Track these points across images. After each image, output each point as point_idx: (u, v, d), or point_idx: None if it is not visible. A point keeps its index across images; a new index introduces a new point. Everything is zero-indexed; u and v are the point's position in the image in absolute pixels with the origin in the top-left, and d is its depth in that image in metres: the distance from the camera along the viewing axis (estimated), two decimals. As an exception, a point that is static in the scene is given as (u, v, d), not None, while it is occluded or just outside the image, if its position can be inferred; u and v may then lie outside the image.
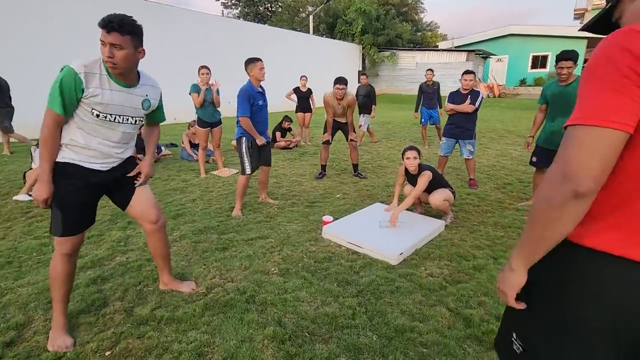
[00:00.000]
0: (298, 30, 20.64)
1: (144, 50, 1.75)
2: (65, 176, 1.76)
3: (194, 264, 2.62)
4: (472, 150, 4.41)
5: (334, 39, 21.05)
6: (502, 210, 3.70)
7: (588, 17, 25.42)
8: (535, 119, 3.74)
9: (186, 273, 2.49)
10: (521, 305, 0.87)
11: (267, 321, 1.97)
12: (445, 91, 6.67)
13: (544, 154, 3.47)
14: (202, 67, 4.80)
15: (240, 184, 3.61)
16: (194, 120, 5.35)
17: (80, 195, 1.84)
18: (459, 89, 4.39)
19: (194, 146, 6.19)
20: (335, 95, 4.48)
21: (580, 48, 20.52)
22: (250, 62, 3.46)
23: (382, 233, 2.94)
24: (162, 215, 2.13)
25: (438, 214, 3.48)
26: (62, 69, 1.64)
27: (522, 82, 21.46)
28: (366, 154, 6.49)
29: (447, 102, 4.43)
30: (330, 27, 23.37)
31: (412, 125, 9.91)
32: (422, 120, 7.12)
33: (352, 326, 1.93)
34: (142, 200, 2.04)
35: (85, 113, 1.70)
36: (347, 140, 4.95)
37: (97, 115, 1.71)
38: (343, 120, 4.81)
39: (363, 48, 21.10)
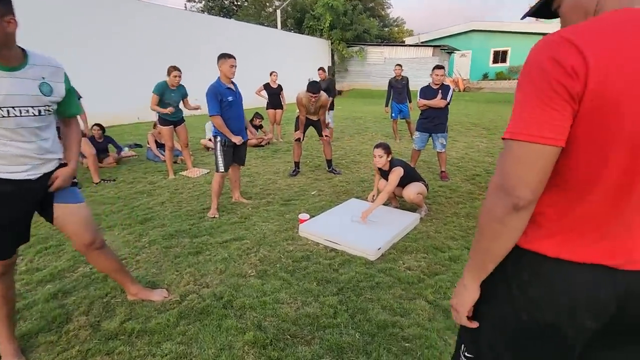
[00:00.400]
0: (265, 25, 20.28)
1: (15, 19, 1.38)
2: None
3: (165, 270, 2.49)
4: (444, 143, 4.51)
5: (302, 34, 20.89)
6: (472, 201, 3.81)
7: (543, 14, 26.85)
8: None
9: (157, 281, 2.36)
10: (474, 324, 0.87)
11: (247, 326, 1.90)
12: (413, 86, 6.82)
13: None
14: (174, 68, 4.55)
15: (216, 182, 3.50)
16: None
17: (7, 213, 1.58)
18: (429, 84, 4.45)
19: (161, 146, 5.93)
20: (309, 99, 4.44)
21: (537, 43, 21.63)
22: (222, 57, 3.36)
23: (359, 229, 2.93)
24: (98, 236, 1.86)
25: (413, 207, 3.53)
26: None
27: (485, 77, 22.30)
28: (339, 150, 6.49)
29: (419, 97, 4.48)
30: (298, 22, 23.16)
31: (382, 119, 10.01)
32: (393, 114, 7.20)
33: (334, 325, 1.91)
34: (73, 217, 1.76)
35: None
36: (320, 136, 4.91)
37: None
38: (315, 118, 4.77)
39: (332, 43, 21.10)
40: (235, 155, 3.59)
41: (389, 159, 3.34)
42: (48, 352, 1.75)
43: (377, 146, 3.38)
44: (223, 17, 22.54)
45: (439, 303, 2.08)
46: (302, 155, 5.08)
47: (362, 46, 21.07)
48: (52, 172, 1.66)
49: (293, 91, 6.97)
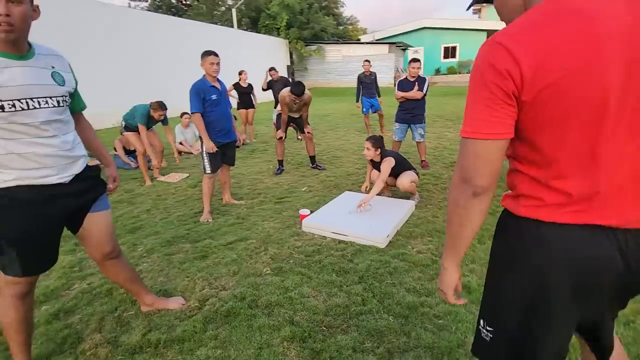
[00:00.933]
0: (219, 25, 19.73)
1: (38, 8, 1.34)
2: (18, 204, 1.35)
3: (174, 277, 2.37)
4: (423, 133, 4.70)
5: (259, 33, 20.61)
6: (457, 186, 4.01)
7: (485, 12, 28.71)
8: None
9: (169, 289, 2.24)
10: (460, 301, 0.99)
11: (279, 323, 1.87)
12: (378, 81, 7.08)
13: None
14: (159, 106, 4.54)
15: (205, 185, 3.36)
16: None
17: (49, 226, 1.47)
18: (406, 77, 4.62)
19: (130, 153, 5.58)
20: (293, 99, 4.42)
21: (482, 38, 23.12)
22: (203, 55, 3.25)
23: (363, 220, 2.98)
24: (117, 244, 1.77)
25: (405, 196, 3.64)
26: None
27: (437, 72, 23.43)
28: (317, 147, 6.50)
29: (397, 90, 4.63)
30: (254, 22, 22.83)
31: (351, 115, 10.18)
32: (364, 109, 7.37)
33: (366, 312, 1.93)
34: (101, 226, 1.64)
35: None
36: (302, 132, 4.90)
37: (2, 108, 1.25)
38: (297, 115, 4.75)
39: (290, 42, 21.03)
40: (224, 155, 3.48)
41: (378, 152, 3.43)
42: (68, 375, 1.60)
43: (367, 139, 3.47)
44: (171, 15, 21.59)
45: (458, 280, 2.19)
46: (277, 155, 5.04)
47: (320, 45, 21.23)
48: (81, 174, 1.52)
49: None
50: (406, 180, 3.39)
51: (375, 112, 7.34)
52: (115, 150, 5.61)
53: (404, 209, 3.21)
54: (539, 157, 0.78)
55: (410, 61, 4.56)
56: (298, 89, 4.27)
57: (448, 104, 12.04)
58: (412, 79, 4.55)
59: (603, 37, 0.68)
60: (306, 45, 21.13)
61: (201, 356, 1.67)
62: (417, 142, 4.78)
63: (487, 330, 0.92)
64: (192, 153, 6.31)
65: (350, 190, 3.90)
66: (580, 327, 0.93)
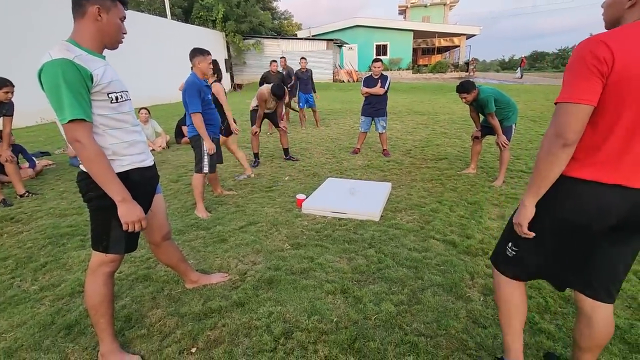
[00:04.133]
0: (147, 13, 18.46)
1: None
2: (135, 186, 1.52)
3: (203, 259, 2.59)
4: (385, 125, 5.33)
5: (192, 24, 19.75)
6: (418, 169, 4.71)
7: (409, 13, 31.07)
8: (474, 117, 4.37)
9: (205, 268, 2.47)
10: (531, 234, 1.24)
11: (318, 283, 2.25)
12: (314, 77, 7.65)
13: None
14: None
15: (199, 183, 3.36)
16: None
17: (149, 204, 1.71)
18: (371, 75, 5.19)
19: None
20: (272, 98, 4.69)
21: (409, 38, 25.13)
22: (201, 53, 3.21)
23: (355, 199, 3.45)
24: (171, 228, 2.02)
25: (385, 179, 4.20)
26: (43, 70, 1.31)
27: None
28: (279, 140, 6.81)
29: (362, 86, 5.19)
30: (186, 12, 21.74)
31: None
32: (300, 104, 7.87)
33: (384, 267, 2.41)
34: (162, 208, 1.89)
35: (102, 106, 1.42)
36: (276, 127, 5.18)
37: (116, 99, 1.45)
38: (271, 110, 5.03)
39: (227, 35, 20.54)
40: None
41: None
42: (150, 343, 1.80)
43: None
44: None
45: (444, 239, 2.78)
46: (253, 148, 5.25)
47: (259, 39, 21.11)
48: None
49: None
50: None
51: (309, 107, 7.85)
52: (68, 149, 5.28)
53: (384, 189, 3.76)
54: (596, 129, 1.08)
55: (373, 61, 5.14)
56: (279, 90, 4.55)
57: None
58: (375, 77, 5.13)
59: None
60: (244, 39, 20.85)
61: (265, 313, 1.99)
62: (379, 133, 5.39)
63: (512, 250, 1.35)
64: (154, 150, 6.17)
65: (332, 177, 4.34)
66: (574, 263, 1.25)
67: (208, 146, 3.26)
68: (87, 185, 1.47)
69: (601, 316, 1.28)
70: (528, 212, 1.21)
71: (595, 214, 1.12)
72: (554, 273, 1.33)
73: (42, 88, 1.35)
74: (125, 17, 1.54)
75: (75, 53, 1.35)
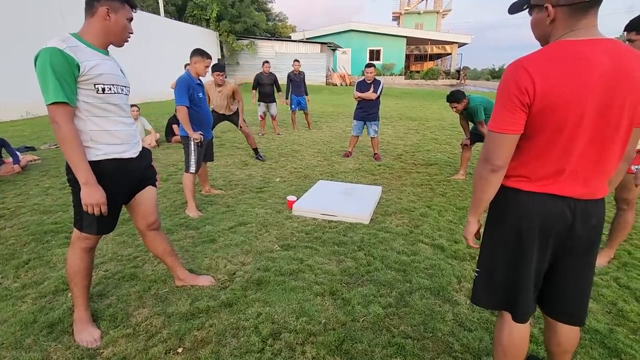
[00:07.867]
0: (143, 11, 18.27)
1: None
2: (106, 176, 1.61)
3: (192, 259, 2.57)
4: (376, 129, 5.37)
5: (186, 22, 19.62)
6: (408, 174, 4.76)
7: (403, 20, 31.44)
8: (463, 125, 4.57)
9: (193, 268, 2.44)
10: (476, 245, 1.34)
11: (307, 284, 2.26)
12: (307, 80, 7.73)
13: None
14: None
15: (189, 182, 3.35)
16: None
17: (122, 194, 1.76)
18: (364, 79, 5.23)
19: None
20: (215, 81, 4.49)
21: (402, 44, 25.40)
22: (200, 55, 3.24)
23: (346, 202, 3.47)
24: (158, 216, 2.04)
25: (375, 182, 4.23)
26: (38, 56, 1.44)
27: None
28: (271, 142, 6.82)
29: (355, 90, 5.23)
30: (179, 10, 21.60)
31: (281, 112, 10.57)
32: (292, 106, 7.88)
33: (373, 270, 2.43)
34: (149, 199, 1.94)
35: (88, 94, 1.53)
36: (238, 127, 4.94)
37: (103, 90, 1.56)
38: (227, 113, 4.77)
39: (220, 35, 20.46)
40: (205, 153, 3.58)
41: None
42: (135, 342, 1.77)
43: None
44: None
45: (432, 243, 2.82)
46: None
47: (253, 40, 21.08)
48: (142, 151, 1.82)
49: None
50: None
51: (301, 110, 7.86)
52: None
53: (375, 193, 3.79)
54: (531, 148, 1.13)
55: (366, 67, 5.19)
56: (218, 67, 4.41)
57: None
58: (368, 82, 5.18)
59: (591, 78, 1.01)
60: (238, 39, 20.79)
61: (253, 314, 1.98)
62: (371, 137, 5.44)
63: (475, 272, 1.36)
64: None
65: (323, 179, 4.36)
66: (540, 276, 1.25)
67: (193, 135, 3.24)
68: (68, 167, 1.58)
69: (567, 327, 1.33)
70: (471, 226, 1.31)
71: (540, 220, 1.16)
72: (526, 295, 1.26)
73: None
74: (132, 18, 1.68)
75: (70, 44, 1.47)
